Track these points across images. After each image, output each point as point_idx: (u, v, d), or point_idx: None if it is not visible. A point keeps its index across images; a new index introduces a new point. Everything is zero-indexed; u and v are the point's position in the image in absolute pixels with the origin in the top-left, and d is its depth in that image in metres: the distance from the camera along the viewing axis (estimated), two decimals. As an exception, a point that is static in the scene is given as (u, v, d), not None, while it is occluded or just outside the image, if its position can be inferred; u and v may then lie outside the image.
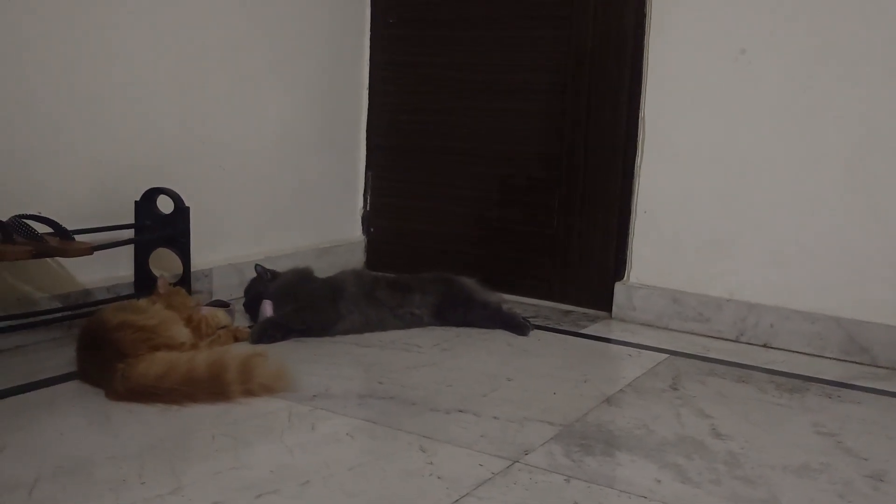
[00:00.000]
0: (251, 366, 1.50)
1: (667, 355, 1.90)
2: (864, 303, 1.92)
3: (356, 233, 2.65)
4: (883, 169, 1.88)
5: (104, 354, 1.48)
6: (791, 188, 1.98)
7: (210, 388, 1.45)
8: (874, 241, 1.90)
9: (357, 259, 2.62)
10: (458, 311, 2.04)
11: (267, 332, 1.85)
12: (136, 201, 1.93)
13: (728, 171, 2.05)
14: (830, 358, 1.95)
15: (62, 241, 1.63)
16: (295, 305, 1.91)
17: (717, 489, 1.24)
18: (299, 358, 1.76)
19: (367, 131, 2.61)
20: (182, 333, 1.60)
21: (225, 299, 2.06)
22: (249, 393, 1.48)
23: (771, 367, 1.86)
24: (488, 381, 1.67)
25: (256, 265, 2.02)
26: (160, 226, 1.92)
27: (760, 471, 1.31)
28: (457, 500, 1.16)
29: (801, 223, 1.98)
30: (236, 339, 1.80)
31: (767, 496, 1.23)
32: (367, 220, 2.65)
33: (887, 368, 1.89)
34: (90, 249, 1.65)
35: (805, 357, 1.95)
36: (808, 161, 1.96)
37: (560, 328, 2.10)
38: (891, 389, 1.75)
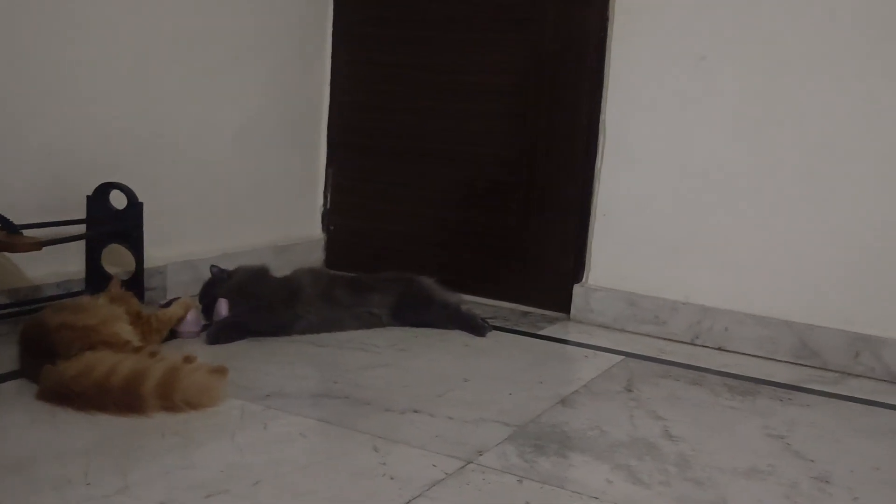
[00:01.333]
0: (175, 379, 1.40)
1: (622, 357, 1.92)
2: (816, 307, 1.95)
3: (315, 231, 2.63)
4: (834, 176, 1.92)
5: (41, 356, 1.44)
6: (746, 194, 2.01)
7: (122, 399, 1.35)
8: (825, 247, 1.94)
9: (316, 257, 2.61)
10: (417, 311, 2.04)
11: (223, 333, 1.82)
12: (87, 196, 1.89)
13: (686, 176, 2.07)
14: (782, 361, 1.98)
15: (9, 235, 1.59)
16: (251, 305, 1.88)
17: (667, 490, 1.25)
18: (254, 357, 1.74)
19: (329, 128, 2.60)
20: (126, 331, 1.56)
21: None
22: (169, 409, 1.37)
23: (724, 370, 1.88)
24: (444, 382, 1.66)
25: (211, 266, 1.99)
26: (113, 221, 1.89)
27: (710, 472, 1.33)
28: (409, 501, 1.16)
29: (755, 228, 2.01)
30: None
31: (716, 498, 1.24)
32: (327, 218, 2.64)
33: (837, 372, 1.93)
34: (39, 245, 1.61)
35: (758, 360, 1.98)
36: (764, 167, 1.99)
37: (518, 329, 2.11)
38: (839, 392, 1.78)
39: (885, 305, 1.89)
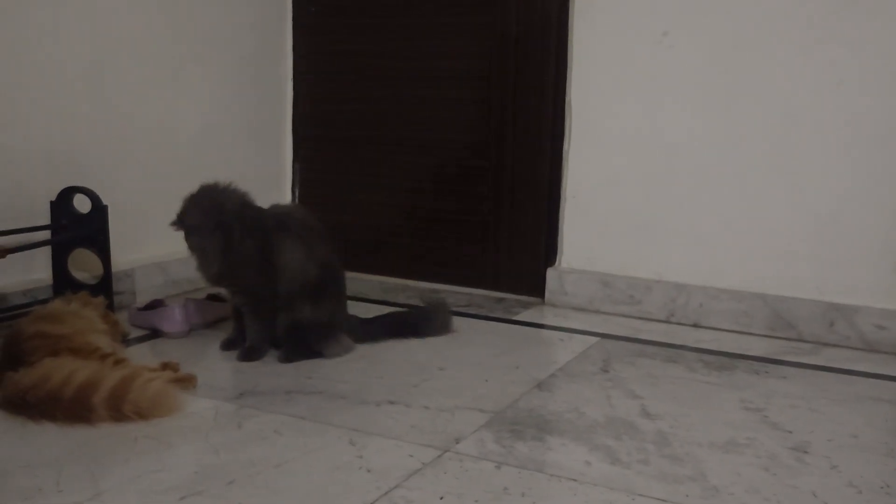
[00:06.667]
0: (127, 389, 1.35)
1: (598, 338, 1.92)
2: (788, 279, 1.96)
3: (287, 227, 2.60)
4: (801, 147, 1.92)
5: (9, 364, 1.40)
6: (714, 169, 2.01)
7: (72, 409, 1.32)
8: (794, 219, 1.95)
9: (288, 254, 2.57)
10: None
11: (254, 353, 1.70)
12: (51, 201, 1.86)
13: (652, 153, 2.07)
14: (758, 335, 1.99)
15: (-30, 244, 1.56)
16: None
17: (646, 468, 1.25)
18: (226, 355, 1.72)
19: (294, 122, 2.57)
20: (101, 340, 1.53)
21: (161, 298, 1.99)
22: (118, 419, 1.34)
23: (700, 346, 1.88)
24: (419, 372, 1.65)
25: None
26: (77, 226, 1.85)
27: (688, 448, 1.33)
28: (386, 493, 1.15)
29: (724, 203, 2.01)
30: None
31: (694, 473, 1.24)
32: (298, 214, 2.61)
33: (812, 343, 1.94)
34: (2, 252, 1.59)
35: (733, 335, 1.99)
36: (731, 141, 1.99)
37: (493, 316, 2.10)
38: (816, 363, 1.79)
39: (857, 273, 1.90)
